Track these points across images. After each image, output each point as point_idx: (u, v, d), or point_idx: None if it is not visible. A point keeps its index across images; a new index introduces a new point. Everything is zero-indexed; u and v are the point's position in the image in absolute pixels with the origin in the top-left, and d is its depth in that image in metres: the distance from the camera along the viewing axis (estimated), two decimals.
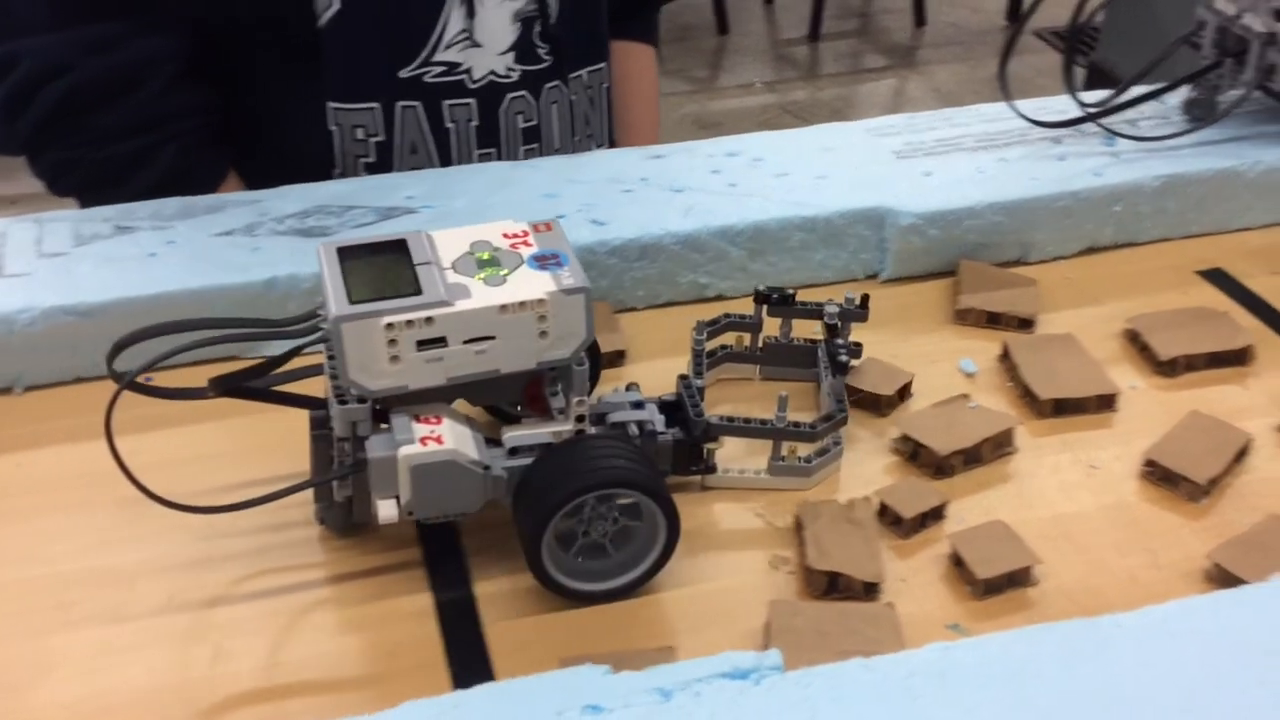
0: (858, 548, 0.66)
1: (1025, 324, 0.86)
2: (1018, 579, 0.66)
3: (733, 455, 0.74)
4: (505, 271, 0.63)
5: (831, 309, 0.79)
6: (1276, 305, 0.87)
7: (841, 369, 0.75)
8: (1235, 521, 0.70)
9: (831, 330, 0.78)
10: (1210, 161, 0.94)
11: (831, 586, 0.65)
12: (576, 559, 0.65)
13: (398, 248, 0.63)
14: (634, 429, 0.68)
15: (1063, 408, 0.78)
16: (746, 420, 0.72)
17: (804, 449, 0.73)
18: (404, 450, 0.61)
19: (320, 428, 0.66)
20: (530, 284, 0.62)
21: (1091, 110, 0.96)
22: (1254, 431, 0.75)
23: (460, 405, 0.66)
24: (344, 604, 0.66)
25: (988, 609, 0.65)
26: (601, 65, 1.12)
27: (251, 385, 0.65)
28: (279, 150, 1.00)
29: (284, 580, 0.67)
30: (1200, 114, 0.99)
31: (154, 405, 0.64)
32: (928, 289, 0.90)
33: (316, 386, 0.66)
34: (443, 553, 0.68)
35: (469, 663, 0.63)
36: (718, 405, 0.79)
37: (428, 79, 0.99)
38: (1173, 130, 0.97)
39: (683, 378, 0.73)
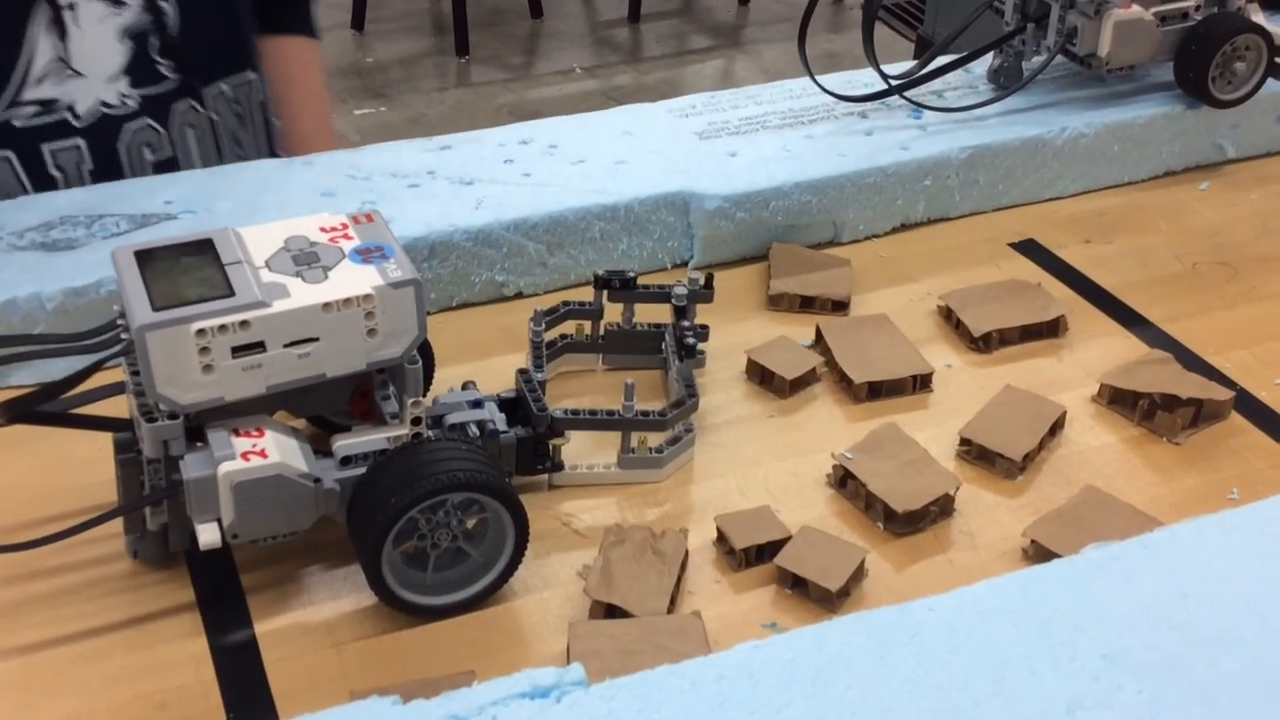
0: (649, 581, 0.65)
1: (839, 306, 0.88)
2: (855, 577, 0.67)
3: (580, 451, 0.74)
4: (326, 267, 0.62)
5: (679, 290, 0.80)
6: (1089, 274, 0.92)
7: (690, 352, 0.76)
8: (1052, 496, 0.73)
9: (679, 313, 0.79)
10: (1017, 131, 0.98)
11: (609, 617, 0.65)
12: (420, 572, 0.64)
13: (203, 248, 0.62)
14: (474, 429, 0.67)
15: (878, 390, 0.81)
16: (593, 412, 0.72)
17: (655, 439, 0.74)
18: (224, 467, 0.59)
19: (126, 450, 0.64)
20: (355, 279, 0.61)
21: (896, 82, 1.00)
22: (1068, 403, 0.79)
23: (281, 418, 0.64)
24: (119, 651, 0.63)
25: (806, 605, 0.67)
26: (248, 74, 1.03)
27: (46, 409, 0.62)
28: None
29: (65, 629, 0.64)
30: (1007, 82, 1.04)
31: None
32: (739, 275, 0.92)
33: (119, 407, 0.64)
34: (217, 594, 0.66)
35: (250, 707, 0.61)
36: (560, 400, 0.79)
37: (18, 122, 0.92)
38: (979, 100, 1.01)
39: (521, 372, 0.73)
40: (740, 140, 0.97)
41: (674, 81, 3.47)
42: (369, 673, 0.63)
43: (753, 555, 0.69)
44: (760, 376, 0.81)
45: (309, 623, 0.65)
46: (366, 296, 0.61)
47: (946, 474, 0.73)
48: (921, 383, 0.82)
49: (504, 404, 0.71)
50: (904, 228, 0.97)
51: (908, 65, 1.03)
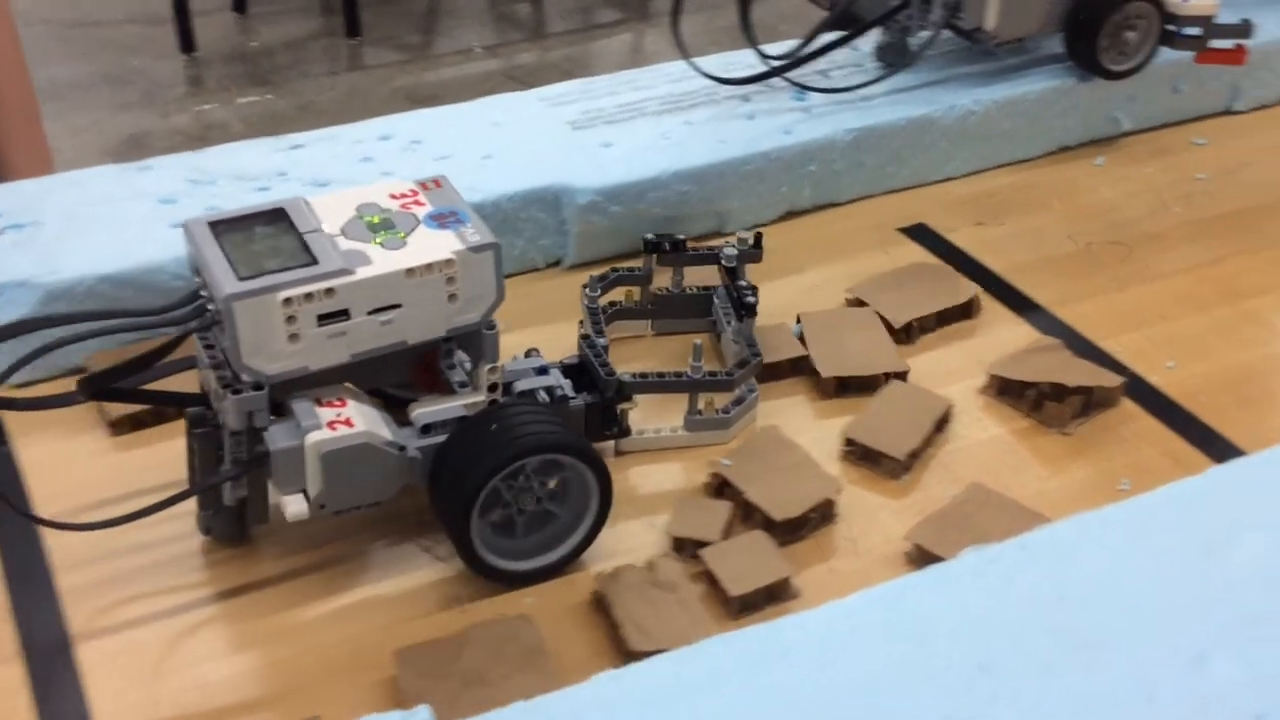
0: (679, 619, 0.65)
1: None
2: (775, 593, 0.67)
3: (642, 417, 0.76)
4: (402, 234, 0.63)
5: (729, 251, 0.82)
6: (980, 259, 0.93)
7: (750, 311, 0.78)
8: (939, 495, 0.74)
9: (731, 273, 0.82)
10: (904, 110, 0.99)
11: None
12: (508, 539, 0.66)
13: (277, 216, 0.63)
14: (543, 395, 0.69)
15: (848, 386, 0.81)
16: (660, 375, 0.75)
17: (720, 400, 0.76)
18: (313, 437, 0.61)
19: (200, 425, 0.65)
20: (434, 244, 0.63)
21: (777, 64, 1.00)
22: (957, 396, 0.79)
23: None
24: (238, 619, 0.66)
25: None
26: None
27: (122, 385, 0.65)
28: None
29: (166, 602, 0.66)
30: (893, 59, 1.04)
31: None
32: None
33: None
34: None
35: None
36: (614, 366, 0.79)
37: None
38: (864, 79, 1.01)
39: (584, 337, 0.75)
40: (616, 129, 0.96)
41: (580, 59, 3.45)
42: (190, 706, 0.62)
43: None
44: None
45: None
46: (448, 261, 0.63)
47: (828, 478, 0.73)
48: (897, 379, 0.81)
49: (567, 370, 0.73)
50: (790, 215, 0.97)
51: (785, 45, 1.03)
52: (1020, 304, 0.88)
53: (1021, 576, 0.61)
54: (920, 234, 0.96)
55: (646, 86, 1.02)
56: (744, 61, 1.03)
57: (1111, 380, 0.79)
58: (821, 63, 1.03)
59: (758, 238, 0.83)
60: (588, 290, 0.81)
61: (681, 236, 0.83)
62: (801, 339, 0.83)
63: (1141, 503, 0.66)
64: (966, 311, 0.87)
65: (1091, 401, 0.78)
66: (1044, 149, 1.04)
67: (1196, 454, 0.76)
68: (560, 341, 0.79)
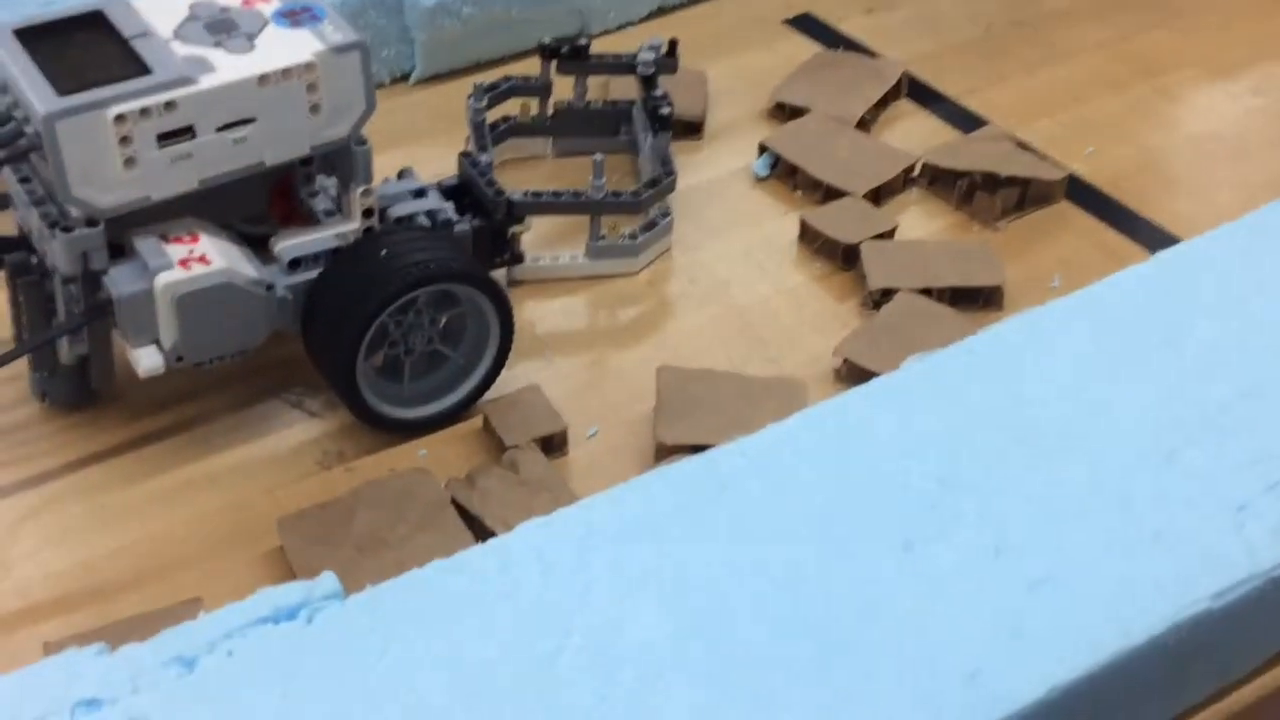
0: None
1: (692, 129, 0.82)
2: (552, 445, 0.64)
3: (540, 246, 0.73)
4: (249, 35, 0.58)
5: (645, 56, 0.77)
6: (877, 49, 0.90)
7: (664, 124, 0.74)
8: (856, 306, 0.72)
9: (646, 83, 0.77)
10: None
11: None
12: (395, 384, 0.63)
13: (94, 22, 0.58)
14: (424, 220, 0.65)
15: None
16: (556, 194, 0.70)
17: (628, 224, 0.72)
18: (164, 278, 0.57)
19: (23, 274, 0.60)
20: (288, 46, 0.58)
21: None
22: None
23: None
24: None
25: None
26: None
27: None
28: None
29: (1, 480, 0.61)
30: None
31: None
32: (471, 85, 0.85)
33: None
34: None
35: None
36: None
37: None
38: None
39: (465, 155, 0.70)
40: None
41: None
42: (59, 613, 0.57)
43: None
44: None
45: None
46: (308, 65, 0.58)
47: None
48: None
49: (447, 192, 0.68)
50: (661, 11, 0.93)
51: None
52: (925, 96, 0.86)
53: (972, 384, 0.60)
54: (808, 25, 0.92)
55: None
56: None
57: (1050, 172, 0.77)
58: None
59: (672, 45, 0.78)
60: (472, 102, 0.76)
61: (585, 40, 0.78)
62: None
63: (1086, 296, 0.65)
64: (896, 93, 0.86)
65: (1028, 196, 0.77)
66: None
67: (1128, 243, 0.76)
68: (430, 166, 0.73)
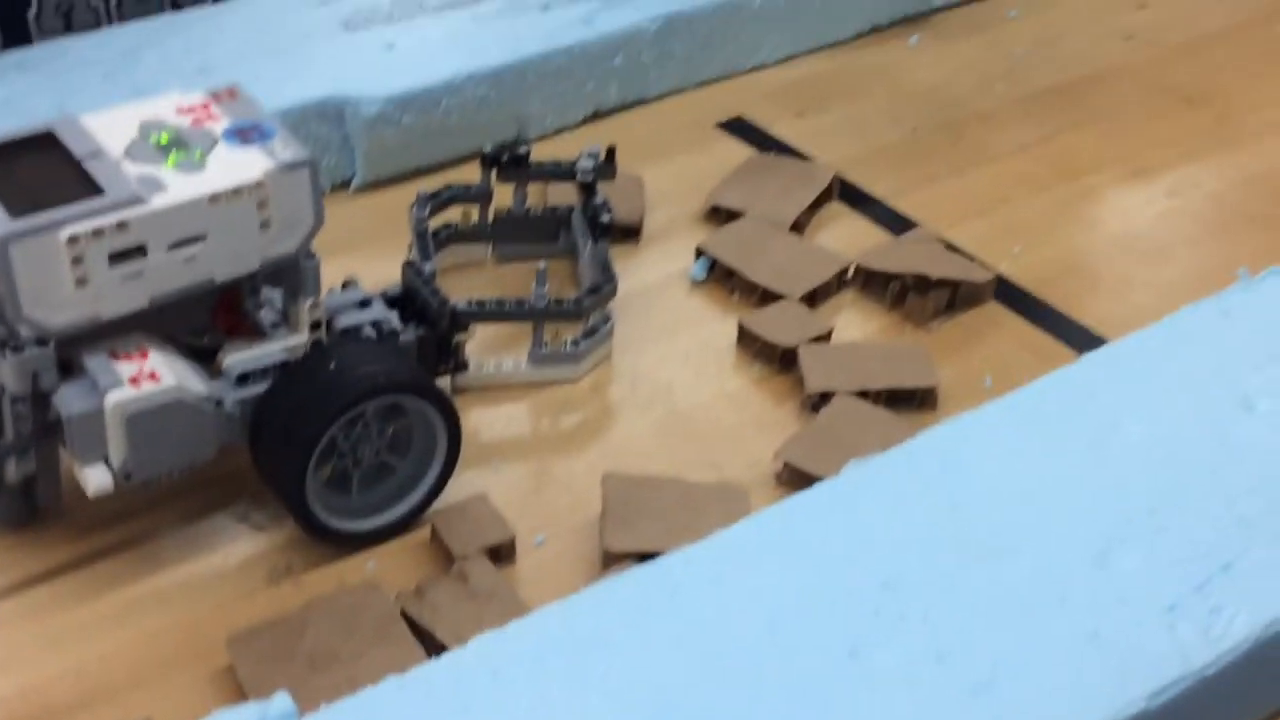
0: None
1: (630, 233, 0.84)
2: (500, 554, 0.65)
3: (482, 354, 0.74)
4: (199, 153, 0.59)
5: (585, 164, 0.79)
6: (807, 152, 0.93)
7: (604, 231, 0.76)
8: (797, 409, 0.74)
9: (586, 190, 0.79)
10: None
11: None
12: (343, 496, 0.63)
13: (46, 142, 0.58)
14: (370, 331, 0.65)
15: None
16: (500, 302, 0.71)
17: (570, 331, 0.74)
18: (114, 396, 0.57)
19: None
20: (239, 164, 0.59)
21: None
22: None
23: None
24: None
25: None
26: None
27: None
28: None
29: None
30: None
31: None
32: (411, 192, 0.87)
33: None
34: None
35: None
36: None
37: None
38: None
39: (409, 264, 0.71)
40: (397, 29, 0.92)
41: None
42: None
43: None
44: None
45: None
46: (258, 184, 0.59)
47: None
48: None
49: (391, 301, 0.69)
50: (597, 116, 0.96)
51: None
52: (856, 198, 0.89)
53: (911, 487, 0.62)
54: (741, 129, 0.95)
55: None
56: None
57: (980, 274, 0.80)
58: None
59: (610, 152, 0.80)
60: (416, 211, 0.78)
61: (525, 149, 0.80)
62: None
63: (1017, 399, 0.67)
64: (828, 195, 0.88)
65: (958, 297, 0.79)
66: (856, 29, 1.04)
67: (1056, 344, 0.78)
68: (372, 273, 0.75)
